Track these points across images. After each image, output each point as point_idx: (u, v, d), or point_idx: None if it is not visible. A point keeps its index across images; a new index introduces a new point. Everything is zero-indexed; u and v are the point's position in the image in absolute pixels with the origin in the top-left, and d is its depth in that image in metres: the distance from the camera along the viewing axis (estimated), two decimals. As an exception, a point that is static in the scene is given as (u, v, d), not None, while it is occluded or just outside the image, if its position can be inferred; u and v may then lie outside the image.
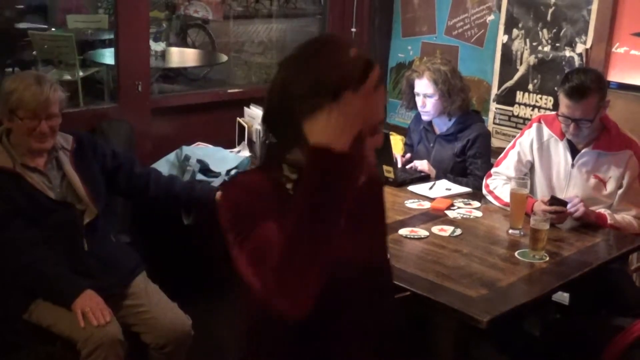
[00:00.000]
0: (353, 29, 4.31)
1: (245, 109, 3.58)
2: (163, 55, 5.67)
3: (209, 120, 3.62)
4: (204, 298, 2.97)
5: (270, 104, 1.40)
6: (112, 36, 3.82)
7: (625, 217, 2.83)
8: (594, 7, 3.58)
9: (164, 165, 3.18)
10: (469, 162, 3.34)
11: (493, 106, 4.06)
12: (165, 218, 3.02)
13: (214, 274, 3.11)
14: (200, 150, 3.32)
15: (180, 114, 3.60)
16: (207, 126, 3.58)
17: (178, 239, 3.04)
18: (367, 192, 1.53)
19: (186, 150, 3.26)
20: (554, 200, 2.76)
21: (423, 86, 3.31)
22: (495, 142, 3.71)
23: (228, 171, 3.13)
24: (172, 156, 3.25)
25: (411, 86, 3.39)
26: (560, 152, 2.95)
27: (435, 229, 2.69)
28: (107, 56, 5.66)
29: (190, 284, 2.95)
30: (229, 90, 3.96)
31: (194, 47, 7.42)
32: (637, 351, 2.16)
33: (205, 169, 3.15)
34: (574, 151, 2.91)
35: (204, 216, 2.96)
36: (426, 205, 2.94)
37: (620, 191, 2.86)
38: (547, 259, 2.47)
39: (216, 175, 3.12)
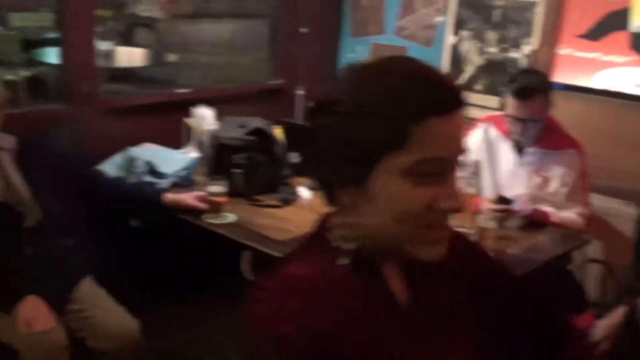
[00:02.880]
0: (303, 29, 4.30)
1: (193, 109, 3.54)
2: (110, 54, 5.56)
3: (156, 121, 3.57)
4: (154, 301, 2.93)
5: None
6: (57, 35, 3.73)
7: (569, 214, 2.88)
8: (540, 10, 3.65)
9: (111, 167, 3.12)
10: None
11: (442, 106, 4.09)
12: (112, 220, 2.97)
13: (164, 277, 3.08)
14: (148, 151, 3.27)
15: (128, 114, 3.54)
16: (155, 127, 3.53)
17: (126, 241, 2.99)
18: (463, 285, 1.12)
19: (133, 151, 3.21)
20: (500, 199, 2.80)
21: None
22: (444, 142, 3.74)
23: (176, 172, 3.09)
24: (118, 158, 3.20)
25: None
26: (506, 151, 2.99)
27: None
28: (53, 56, 5.53)
29: (139, 287, 2.91)
30: (177, 91, 3.92)
31: (141, 46, 7.33)
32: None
33: (152, 171, 3.10)
34: (520, 150, 2.96)
35: (152, 218, 2.92)
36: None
37: (564, 189, 2.91)
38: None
39: (164, 176, 3.08)
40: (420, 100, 0.92)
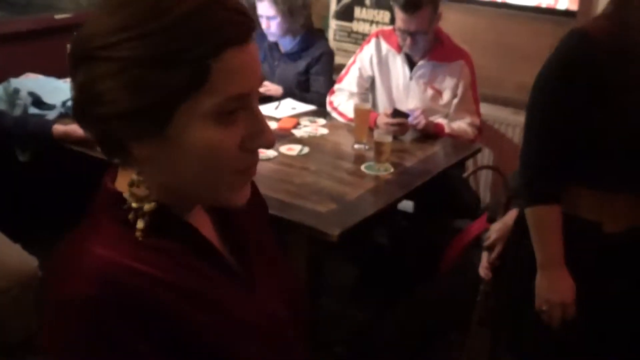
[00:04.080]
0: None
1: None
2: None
3: (37, 49, 3.38)
4: (50, 236, 2.84)
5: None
6: None
7: (460, 125, 2.98)
8: None
9: (-9, 100, 2.95)
10: (312, 79, 3.36)
11: (333, 23, 4.08)
12: (-1, 156, 2.84)
13: (60, 211, 2.99)
14: (31, 82, 3.10)
15: (4, 43, 3.33)
16: (36, 56, 3.34)
17: (15, 177, 2.88)
18: (257, 220, 1.08)
19: (15, 82, 3.04)
20: (395, 113, 2.85)
21: (264, 8, 3.26)
22: (336, 59, 3.74)
23: (64, 102, 2.96)
24: (-1, 90, 3.03)
25: (254, 8, 3.33)
26: (398, 66, 3.02)
27: (284, 149, 2.70)
28: None
29: (34, 222, 2.81)
30: (57, 16, 3.71)
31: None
32: (475, 251, 2.32)
33: (38, 102, 2.96)
34: (411, 64, 3.00)
35: (42, 152, 2.81)
36: (272, 125, 2.94)
37: (455, 100, 2.99)
38: (392, 170, 2.57)
39: (51, 107, 2.94)
40: (217, 29, 0.79)
